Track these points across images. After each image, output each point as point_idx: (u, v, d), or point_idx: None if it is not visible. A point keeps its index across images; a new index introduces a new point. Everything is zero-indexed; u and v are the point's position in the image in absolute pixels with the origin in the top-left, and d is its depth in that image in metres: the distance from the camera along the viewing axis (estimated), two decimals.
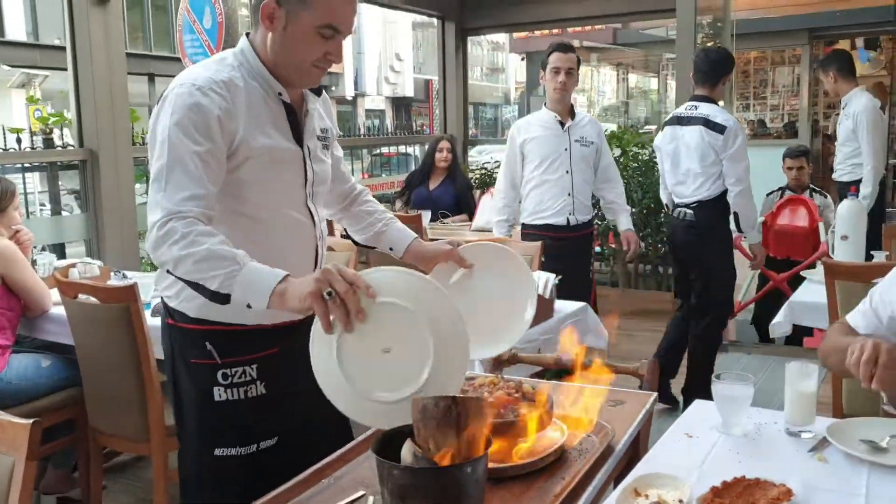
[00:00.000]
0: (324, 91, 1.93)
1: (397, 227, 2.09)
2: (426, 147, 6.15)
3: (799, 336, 4.34)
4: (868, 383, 1.62)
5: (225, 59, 1.78)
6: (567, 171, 3.87)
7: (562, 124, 3.90)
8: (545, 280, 2.91)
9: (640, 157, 6.06)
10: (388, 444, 1.38)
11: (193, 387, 1.85)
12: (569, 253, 3.86)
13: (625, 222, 4.07)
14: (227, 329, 1.80)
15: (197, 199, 1.61)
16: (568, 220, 3.92)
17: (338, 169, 2.07)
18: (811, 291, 3.18)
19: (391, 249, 2.07)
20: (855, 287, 2.68)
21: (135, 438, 2.81)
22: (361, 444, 1.70)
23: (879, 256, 3.33)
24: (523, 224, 4.01)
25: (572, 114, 3.97)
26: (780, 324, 3.16)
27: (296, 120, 1.83)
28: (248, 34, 1.80)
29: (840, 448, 1.62)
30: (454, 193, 5.71)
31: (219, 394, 1.82)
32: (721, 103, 3.93)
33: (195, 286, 1.58)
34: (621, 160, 6.02)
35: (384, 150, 9.44)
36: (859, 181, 4.54)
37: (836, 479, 1.53)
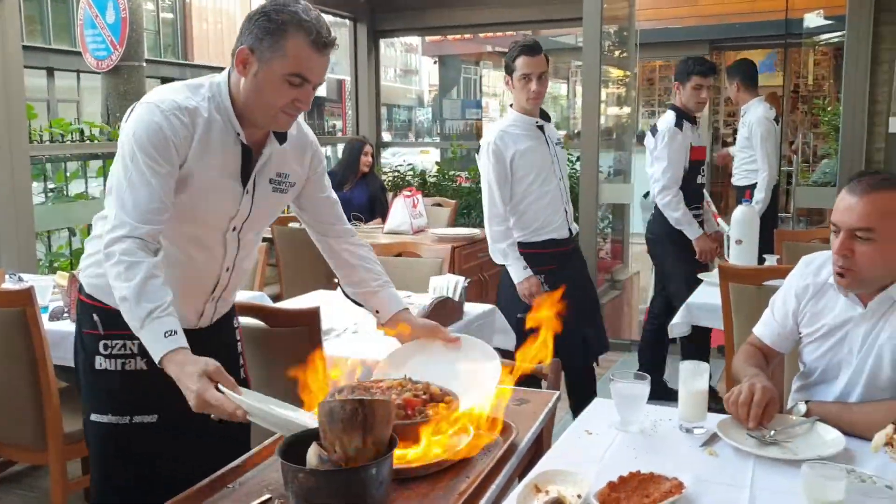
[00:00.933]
0: (298, 133, 1.99)
1: (391, 292, 2.13)
2: (343, 149, 6.05)
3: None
4: (746, 422, 1.76)
5: (201, 86, 1.85)
6: (560, 179, 3.47)
7: (541, 129, 3.44)
8: (454, 283, 2.95)
9: None
10: (293, 447, 1.39)
11: (84, 355, 1.99)
12: (574, 263, 3.56)
13: None
14: (113, 309, 1.84)
15: (149, 215, 1.71)
16: (569, 230, 3.52)
17: (331, 210, 2.14)
18: (707, 293, 3.32)
19: (377, 313, 2.11)
20: (747, 289, 2.82)
21: (31, 448, 2.71)
22: (265, 450, 1.69)
23: (771, 260, 3.51)
24: (521, 243, 3.40)
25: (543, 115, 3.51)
26: (679, 324, 3.29)
27: (249, 161, 1.87)
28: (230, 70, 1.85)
29: (729, 443, 1.71)
30: (368, 195, 5.68)
31: (99, 362, 1.95)
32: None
33: None
34: None
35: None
36: (754, 185, 4.75)
37: (724, 472, 1.62)
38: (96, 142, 5.10)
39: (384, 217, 5.52)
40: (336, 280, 2.55)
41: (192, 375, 1.59)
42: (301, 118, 1.95)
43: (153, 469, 1.96)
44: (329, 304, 2.81)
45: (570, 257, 3.55)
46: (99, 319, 1.94)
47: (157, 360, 1.65)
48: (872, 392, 1.84)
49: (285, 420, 1.62)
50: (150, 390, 1.90)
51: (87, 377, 1.99)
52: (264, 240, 4.60)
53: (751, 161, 4.87)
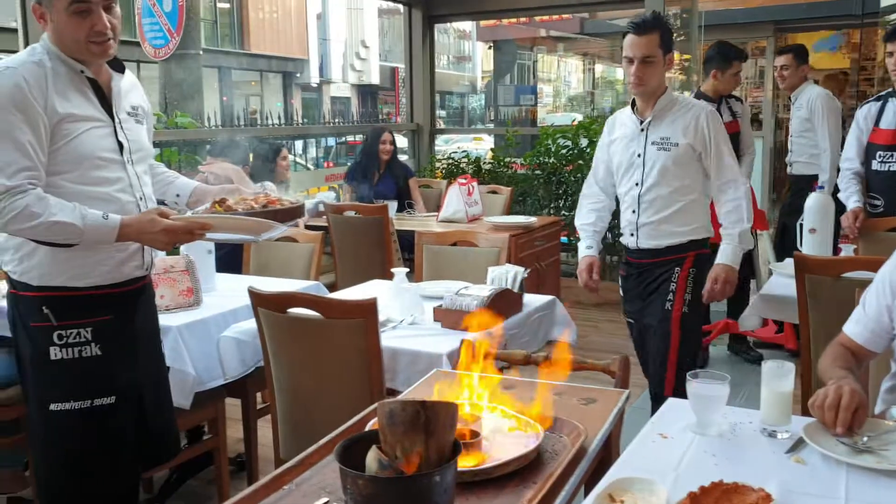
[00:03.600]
0: (129, 73, 2.29)
1: (184, 180, 2.52)
2: (364, 137, 5.91)
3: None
4: (833, 428, 1.63)
5: (35, 48, 2.09)
6: (636, 185, 2.93)
7: (640, 122, 2.92)
8: (514, 273, 2.85)
9: None
10: (351, 450, 1.31)
11: (32, 349, 2.12)
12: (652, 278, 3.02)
13: None
14: (64, 295, 2.10)
15: (27, 171, 1.96)
16: (633, 243, 3.03)
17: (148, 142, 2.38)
18: (779, 285, 3.16)
19: (178, 196, 2.47)
20: (824, 281, 2.67)
21: None
22: (324, 447, 1.62)
23: (847, 250, 3.33)
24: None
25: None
26: (749, 317, 3.14)
27: (103, 94, 2.15)
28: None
29: (818, 449, 1.58)
30: (396, 187, 5.56)
31: (55, 353, 2.11)
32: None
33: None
34: (588, 151, 5.99)
35: (349, 137, 9.32)
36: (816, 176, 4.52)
37: (814, 482, 1.49)
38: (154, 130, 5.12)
39: (403, 205, 5.44)
40: (392, 270, 2.63)
41: (149, 224, 2.04)
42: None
43: (118, 451, 2.20)
44: (385, 295, 2.74)
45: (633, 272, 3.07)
46: (50, 311, 2.09)
47: (114, 239, 2.02)
48: None
49: (255, 221, 2.03)
50: (105, 374, 2.15)
51: (41, 370, 2.13)
52: (318, 228, 4.58)
53: (812, 146, 4.56)
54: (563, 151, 6.19)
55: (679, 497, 1.39)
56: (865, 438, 1.60)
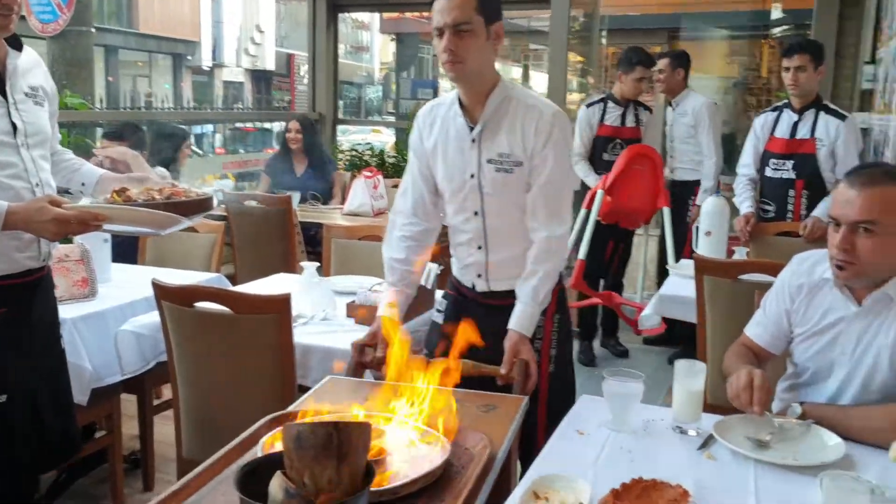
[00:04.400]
0: (30, 50, 2.18)
1: (89, 167, 2.41)
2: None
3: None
4: (749, 407, 1.71)
5: None
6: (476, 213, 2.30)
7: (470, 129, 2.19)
8: (427, 269, 2.85)
9: None
10: (252, 476, 1.20)
11: None
12: None
13: None
14: None
15: None
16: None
17: (51, 125, 2.27)
18: (678, 285, 3.28)
19: (83, 185, 2.36)
20: (722, 282, 2.79)
21: None
22: (217, 464, 1.46)
23: (740, 253, 3.49)
24: None
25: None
26: (649, 316, 3.25)
27: None
28: None
29: (727, 445, 1.65)
30: (322, 178, 5.50)
31: None
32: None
33: None
34: None
35: (242, 124, 9.08)
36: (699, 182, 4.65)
37: (725, 477, 1.56)
38: None
39: (329, 194, 5.39)
40: (301, 264, 2.56)
41: (38, 212, 1.93)
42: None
43: (12, 451, 2.12)
44: (295, 290, 2.68)
45: None
46: None
47: (0, 228, 1.91)
48: (865, 394, 1.81)
49: (158, 215, 1.95)
50: None
51: None
52: (219, 218, 4.44)
53: (696, 152, 4.65)
54: None
55: (600, 493, 1.42)
56: (769, 435, 1.68)
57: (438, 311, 2.40)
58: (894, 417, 1.63)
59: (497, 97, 2.09)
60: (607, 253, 4.68)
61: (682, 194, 4.67)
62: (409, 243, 2.25)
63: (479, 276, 2.24)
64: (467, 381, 1.86)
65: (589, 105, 4.68)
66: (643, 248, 5.03)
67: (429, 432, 1.55)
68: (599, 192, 4.40)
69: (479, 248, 2.21)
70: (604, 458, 1.64)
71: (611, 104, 4.60)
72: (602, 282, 4.76)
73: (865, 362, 1.80)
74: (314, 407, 1.62)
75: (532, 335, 2.12)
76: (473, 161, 2.12)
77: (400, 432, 1.56)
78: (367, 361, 2.09)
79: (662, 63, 4.70)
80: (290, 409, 1.73)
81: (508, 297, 2.15)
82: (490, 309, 2.20)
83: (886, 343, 1.77)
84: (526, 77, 18.24)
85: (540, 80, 14.66)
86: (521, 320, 2.09)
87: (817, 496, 1.29)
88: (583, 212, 4.61)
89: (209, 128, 9.82)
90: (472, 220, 2.19)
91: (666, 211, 4.49)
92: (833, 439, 1.66)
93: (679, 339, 4.56)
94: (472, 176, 2.13)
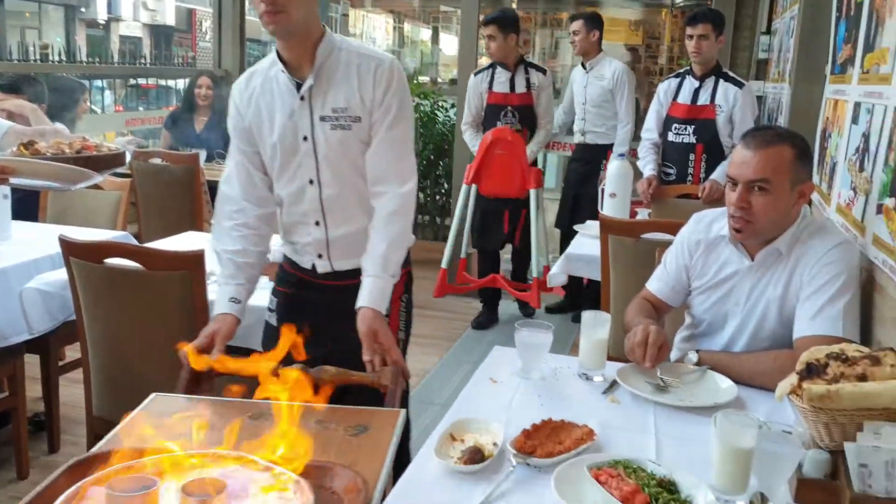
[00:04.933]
0: None
1: None
2: (187, 84, 5.74)
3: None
4: (643, 362, 1.83)
5: None
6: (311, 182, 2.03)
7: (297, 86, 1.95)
8: None
9: (421, 107, 6.12)
10: None
11: None
12: None
13: None
14: None
15: None
16: None
17: None
18: (584, 245, 3.41)
19: None
20: (625, 241, 2.91)
21: None
22: None
23: (642, 214, 3.64)
24: None
25: None
26: (557, 275, 3.36)
27: None
28: None
29: (629, 390, 1.76)
30: (223, 135, 5.38)
31: None
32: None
33: None
34: None
35: (141, 81, 8.75)
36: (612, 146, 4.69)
37: (627, 418, 1.67)
38: None
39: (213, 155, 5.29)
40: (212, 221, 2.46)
41: None
42: None
43: None
44: (206, 248, 2.65)
45: None
46: None
47: None
48: (755, 342, 1.94)
49: (69, 169, 1.82)
50: None
51: None
52: (123, 175, 4.31)
53: (610, 117, 4.68)
54: None
55: (513, 434, 1.50)
56: (669, 380, 1.80)
57: (270, 310, 2.16)
58: (781, 362, 1.76)
59: (326, 48, 1.89)
60: (505, 226, 4.64)
61: (594, 158, 4.71)
62: (244, 232, 1.99)
63: (320, 256, 2.03)
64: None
65: (477, 73, 4.65)
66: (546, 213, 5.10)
67: (282, 474, 1.21)
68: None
69: (318, 223, 1.99)
70: (516, 402, 1.72)
71: (499, 70, 4.55)
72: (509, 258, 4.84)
73: (756, 313, 1.94)
74: (129, 446, 1.28)
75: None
76: (305, 121, 1.91)
77: (243, 477, 1.21)
78: (202, 372, 1.74)
79: (577, 25, 4.66)
80: (96, 450, 1.34)
81: (356, 277, 1.91)
82: (337, 293, 1.95)
83: (776, 295, 1.91)
84: (435, 40, 18.18)
85: (450, 43, 14.63)
86: (372, 294, 1.83)
87: (711, 433, 1.40)
88: (464, 188, 4.63)
89: (103, 84, 9.45)
90: (307, 189, 1.96)
91: (533, 193, 4.48)
92: (726, 383, 1.80)
93: (578, 307, 4.72)
94: (306, 138, 1.92)
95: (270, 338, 2.04)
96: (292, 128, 1.92)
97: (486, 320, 4.75)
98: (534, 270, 4.59)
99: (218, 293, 1.97)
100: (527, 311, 4.91)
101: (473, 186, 4.58)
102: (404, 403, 1.91)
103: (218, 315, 1.90)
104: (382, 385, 1.71)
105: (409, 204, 1.93)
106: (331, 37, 1.90)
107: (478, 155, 4.49)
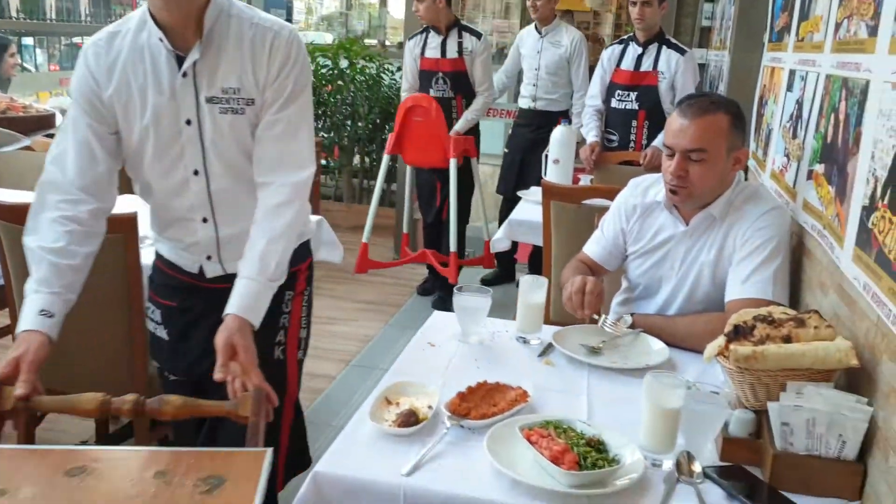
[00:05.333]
0: None
1: None
2: None
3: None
4: (580, 311, 1.85)
5: None
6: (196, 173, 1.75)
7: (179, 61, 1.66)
8: None
9: (367, 70, 6.04)
10: None
11: None
12: None
13: None
14: None
15: None
16: None
17: None
18: (527, 210, 3.42)
19: None
20: (567, 207, 2.93)
21: None
22: None
23: (585, 180, 3.67)
24: None
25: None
26: (500, 240, 3.37)
27: None
28: None
29: (564, 352, 1.78)
30: None
31: None
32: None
33: None
34: (349, 72, 5.97)
35: (78, 39, 8.48)
36: (566, 112, 4.67)
37: (562, 380, 1.69)
38: None
39: None
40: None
41: None
42: None
43: None
44: (138, 210, 2.59)
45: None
46: None
47: None
48: (690, 305, 1.98)
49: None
50: None
51: None
52: (52, 136, 4.17)
53: (564, 84, 4.63)
54: (323, 71, 6.12)
55: (449, 397, 1.51)
56: (601, 342, 1.83)
57: (153, 321, 1.91)
58: (713, 325, 1.79)
59: (213, 12, 1.58)
60: (437, 198, 4.55)
61: (545, 124, 4.54)
62: (71, 227, 1.61)
63: (209, 257, 1.77)
64: (183, 426, 1.56)
65: (411, 38, 4.49)
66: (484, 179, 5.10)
67: None
68: None
69: (205, 220, 1.72)
70: (453, 366, 1.73)
71: (432, 34, 4.37)
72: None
73: (690, 277, 1.97)
74: None
75: (276, 318, 1.74)
76: (189, 102, 1.61)
77: None
78: (4, 410, 1.36)
79: None
80: None
81: None
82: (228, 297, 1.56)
83: (709, 259, 1.94)
84: (384, 2, 17.95)
85: (399, 5, 14.43)
86: (242, 300, 1.52)
87: (641, 393, 1.43)
88: (385, 158, 4.50)
89: (39, 41, 9.14)
90: (191, 181, 1.67)
91: (452, 163, 4.26)
92: (658, 345, 1.83)
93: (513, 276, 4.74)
94: (189, 122, 1.62)
95: (163, 351, 1.87)
96: (172, 109, 1.61)
97: (432, 287, 4.75)
98: (452, 244, 4.36)
99: (25, 305, 1.51)
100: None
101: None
102: (300, 432, 1.80)
103: (22, 334, 1.46)
104: (241, 416, 1.35)
105: (301, 193, 1.65)
106: (217, 3, 1.59)
107: (396, 123, 4.32)
